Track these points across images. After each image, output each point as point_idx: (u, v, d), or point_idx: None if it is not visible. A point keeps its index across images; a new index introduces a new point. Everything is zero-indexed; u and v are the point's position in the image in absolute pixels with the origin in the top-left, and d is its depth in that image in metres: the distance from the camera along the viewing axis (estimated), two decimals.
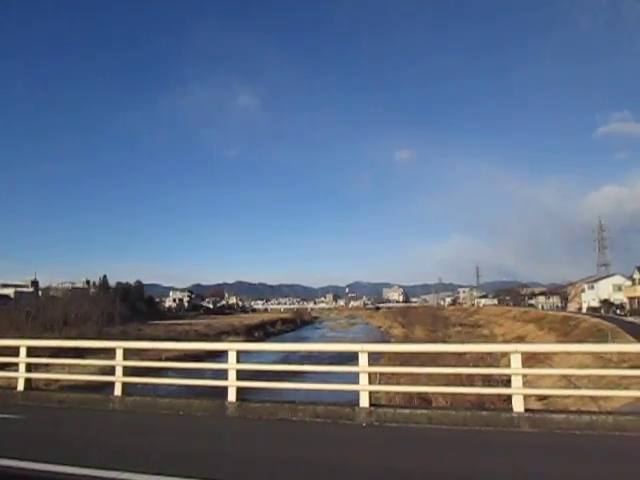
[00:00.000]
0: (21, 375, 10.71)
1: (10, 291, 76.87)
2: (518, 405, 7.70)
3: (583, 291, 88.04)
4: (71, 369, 14.38)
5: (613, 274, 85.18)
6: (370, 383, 8.54)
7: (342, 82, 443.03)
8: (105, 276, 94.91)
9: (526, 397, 7.97)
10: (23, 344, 10.93)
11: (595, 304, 77.53)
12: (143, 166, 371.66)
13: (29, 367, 10.84)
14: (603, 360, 21.69)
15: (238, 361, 9.32)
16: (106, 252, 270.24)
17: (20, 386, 10.61)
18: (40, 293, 79.91)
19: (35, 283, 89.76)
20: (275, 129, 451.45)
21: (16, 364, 11.21)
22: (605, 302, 74.51)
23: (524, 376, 8.05)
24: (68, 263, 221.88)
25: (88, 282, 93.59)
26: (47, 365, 12.41)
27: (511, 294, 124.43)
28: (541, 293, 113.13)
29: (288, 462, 6.02)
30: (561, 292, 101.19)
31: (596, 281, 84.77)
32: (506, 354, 8.39)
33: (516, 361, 7.90)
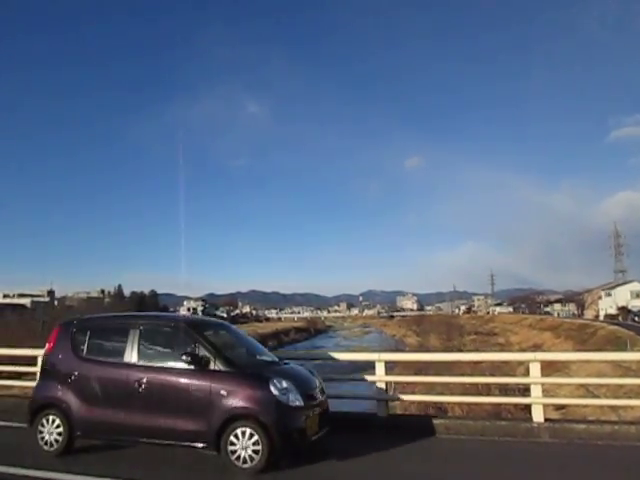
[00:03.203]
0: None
1: (27, 301, 77.76)
2: (538, 415, 7.58)
3: (600, 298, 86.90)
4: None
5: (630, 281, 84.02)
6: (386, 392, 8.48)
7: (350, 91, 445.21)
8: (120, 286, 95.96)
9: (545, 406, 7.85)
10: (40, 354, 11.01)
11: (612, 311, 76.43)
12: (154, 176, 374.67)
13: None
14: (622, 369, 21.35)
15: None
16: (121, 262, 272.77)
17: None
18: (56, 303, 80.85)
19: (51, 293, 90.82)
20: (284, 139, 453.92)
21: (30, 373, 11.31)
22: (623, 309, 73.39)
23: (542, 385, 7.94)
24: (84, 273, 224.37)
25: (103, 292, 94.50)
26: None
27: (526, 302, 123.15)
28: (557, 300, 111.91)
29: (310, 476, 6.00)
30: (577, 299, 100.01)
31: (613, 288, 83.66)
32: (523, 363, 8.29)
33: (535, 370, 7.79)
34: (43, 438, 6.56)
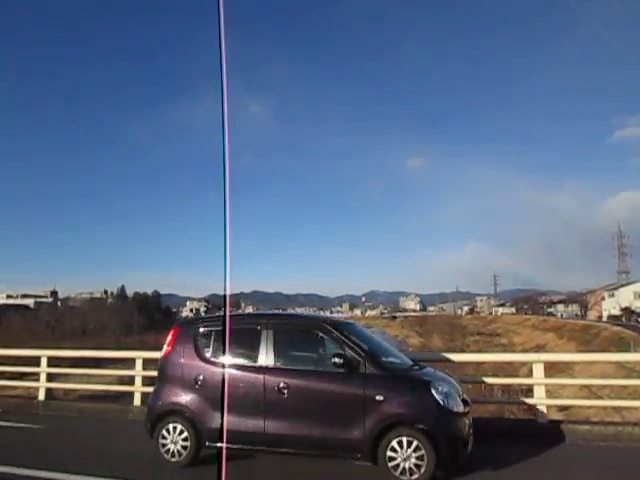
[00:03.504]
0: (42, 385, 10.82)
1: (30, 301, 77.93)
2: (541, 415, 7.58)
3: (603, 299, 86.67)
4: (89, 379, 14.46)
5: (634, 281, 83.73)
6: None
7: (353, 92, 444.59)
8: (123, 286, 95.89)
9: (548, 407, 7.84)
10: (44, 354, 11.05)
11: (616, 312, 76.17)
12: (156, 176, 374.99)
13: (50, 377, 10.95)
14: (626, 369, 21.29)
15: None
16: (124, 263, 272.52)
17: (41, 396, 10.72)
18: (59, 303, 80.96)
19: (54, 294, 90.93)
20: (286, 139, 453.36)
21: (34, 374, 11.33)
22: (626, 310, 73.15)
23: (545, 386, 7.93)
24: (87, 274, 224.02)
25: (106, 292, 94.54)
26: (66, 375, 12.52)
27: (529, 302, 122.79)
28: (560, 301, 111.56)
29: None
30: (580, 300, 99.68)
31: (616, 289, 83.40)
32: (526, 363, 8.27)
33: (538, 371, 7.79)
34: (167, 448, 6.10)
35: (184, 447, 6.06)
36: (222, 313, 8.36)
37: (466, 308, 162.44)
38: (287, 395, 5.78)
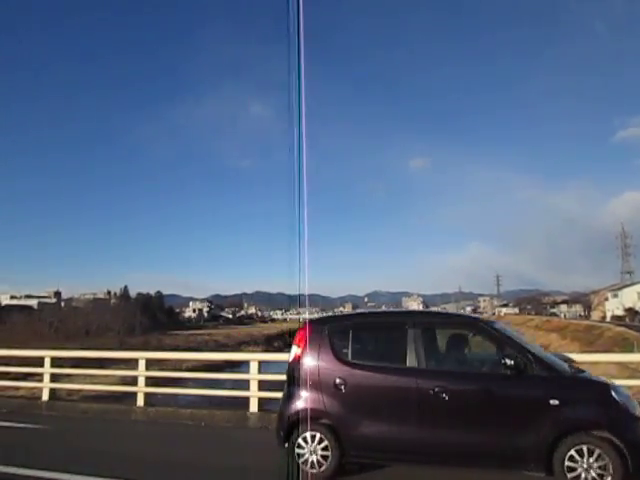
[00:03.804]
0: (46, 385, 10.85)
1: (34, 302, 78.00)
2: None
3: (607, 299, 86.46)
4: (93, 379, 14.51)
5: (638, 282, 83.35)
6: None
7: (355, 92, 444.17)
8: (126, 287, 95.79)
9: None
10: (47, 355, 11.08)
11: (619, 312, 75.99)
12: (159, 176, 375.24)
13: (53, 377, 10.98)
14: (629, 370, 21.22)
15: (259, 371, 9.32)
16: (126, 263, 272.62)
17: (45, 396, 10.75)
18: (62, 304, 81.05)
19: (58, 294, 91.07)
20: (288, 139, 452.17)
21: (37, 374, 11.37)
22: (630, 310, 72.95)
23: None
24: (90, 274, 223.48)
25: (109, 293, 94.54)
26: (69, 375, 12.56)
27: (532, 303, 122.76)
28: (563, 302, 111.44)
29: None
30: (584, 300, 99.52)
31: (620, 289, 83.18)
32: None
33: None
34: (304, 459, 5.56)
35: (324, 457, 5.54)
36: (361, 311, 8.04)
37: (469, 308, 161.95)
38: (445, 400, 5.26)
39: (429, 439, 5.28)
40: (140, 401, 9.94)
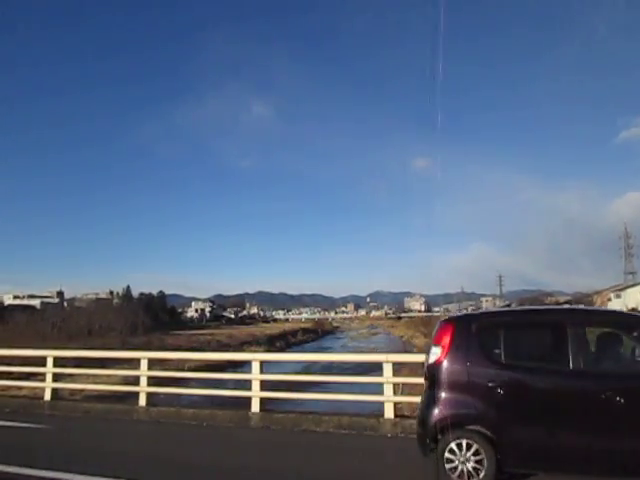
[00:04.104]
0: (48, 385, 10.86)
1: (37, 302, 78.17)
2: None
3: (609, 300, 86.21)
4: (95, 379, 14.53)
5: None
6: (394, 394, 8.46)
7: (356, 91, 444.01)
8: (128, 287, 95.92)
9: None
10: (50, 354, 11.09)
11: None
12: (161, 176, 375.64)
13: (56, 377, 10.99)
14: None
15: (261, 372, 9.32)
16: (129, 263, 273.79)
17: (47, 396, 10.76)
18: (65, 304, 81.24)
19: (61, 294, 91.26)
20: (290, 139, 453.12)
21: (40, 374, 11.37)
22: (633, 311, 72.88)
23: None
24: (92, 274, 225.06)
25: (112, 293, 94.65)
26: (71, 375, 12.57)
27: (535, 303, 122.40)
28: (566, 302, 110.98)
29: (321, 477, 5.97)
30: (586, 301, 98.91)
31: (623, 290, 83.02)
32: None
33: None
34: (454, 467, 5.11)
35: (476, 467, 5.08)
36: (507, 308, 7.59)
37: (471, 309, 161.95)
38: (620, 405, 4.83)
39: (601, 448, 4.83)
40: (142, 401, 9.94)
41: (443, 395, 5.35)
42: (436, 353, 5.53)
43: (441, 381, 5.40)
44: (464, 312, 6.97)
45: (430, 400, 5.46)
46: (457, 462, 5.11)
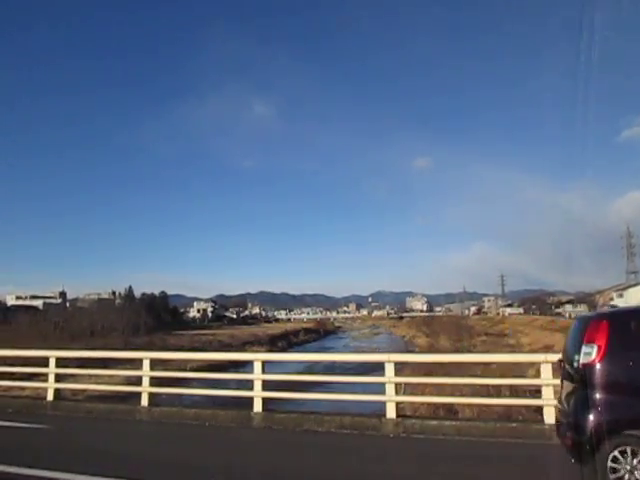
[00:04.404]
0: (50, 385, 10.88)
1: (39, 302, 78.30)
2: (549, 416, 7.53)
3: (612, 299, 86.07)
4: (97, 379, 14.55)
5: None
6: (396, 394, 8.46)
7: (357, 91, 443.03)
8: (130, 287, 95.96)
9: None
10: (52, 355, 11.10)
11: None
12: (162, 176, 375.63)
13: (58, 377, 11.01)
14: None
15: (263, 372, 9.33)
16: (131, 263, 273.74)
17: (50, 396, 10.77)
18: (68, 304, 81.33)
19: (63, 294, 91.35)
20: (291, 139, 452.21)
21: (42, 374, 11.39)
22: None
23: (554, 386, 7.89)
24: (95, 274, 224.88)
25: (114, 293, 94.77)
26: (73, 375, 12.59)
27: (537, 303, 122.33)
28: (568, 301, 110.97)
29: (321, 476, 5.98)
30: (589, 300, 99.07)
31: (625, 289, 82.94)
32: (534, 364, 8.24)
33: (546, 371, 7.76)
34: (621, 477, 4.72)
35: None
36: None
37: (473, 308, 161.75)
38: None
39: None
40: (144, 401, 9.95)
41: (601, 398, 4.97)
42: (589, 353, 5.11)
43: (597, 383, 5.02)
44: (607, 309, 6.42)
45: (584, 404, 5.04)
46: (623, 471, 4.72)
